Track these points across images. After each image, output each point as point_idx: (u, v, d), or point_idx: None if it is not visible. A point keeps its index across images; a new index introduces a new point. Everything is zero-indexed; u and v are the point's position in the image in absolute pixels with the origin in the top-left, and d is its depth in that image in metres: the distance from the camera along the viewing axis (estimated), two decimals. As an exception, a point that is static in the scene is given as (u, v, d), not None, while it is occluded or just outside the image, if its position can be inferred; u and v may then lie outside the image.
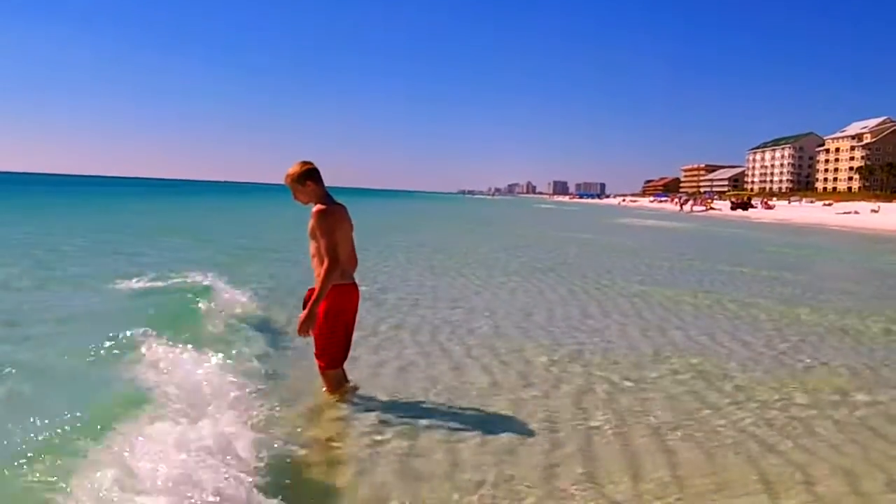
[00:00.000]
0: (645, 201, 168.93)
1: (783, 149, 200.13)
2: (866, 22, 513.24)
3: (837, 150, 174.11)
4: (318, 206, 5.41)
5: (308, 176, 5.44)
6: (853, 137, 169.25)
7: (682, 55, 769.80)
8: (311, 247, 5.45)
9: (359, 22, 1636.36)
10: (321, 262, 5.33)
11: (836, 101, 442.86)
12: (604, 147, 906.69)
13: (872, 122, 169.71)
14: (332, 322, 5.48)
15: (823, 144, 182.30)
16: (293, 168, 5.46)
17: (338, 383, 5.69)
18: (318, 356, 5.60)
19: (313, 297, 5.35)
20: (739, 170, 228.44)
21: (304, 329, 5.36)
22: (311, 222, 5.37)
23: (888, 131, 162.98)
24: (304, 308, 5.46)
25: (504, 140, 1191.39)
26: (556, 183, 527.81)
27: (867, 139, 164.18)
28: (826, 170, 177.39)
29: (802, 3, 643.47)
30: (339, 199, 5.61)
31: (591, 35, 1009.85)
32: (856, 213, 71.22)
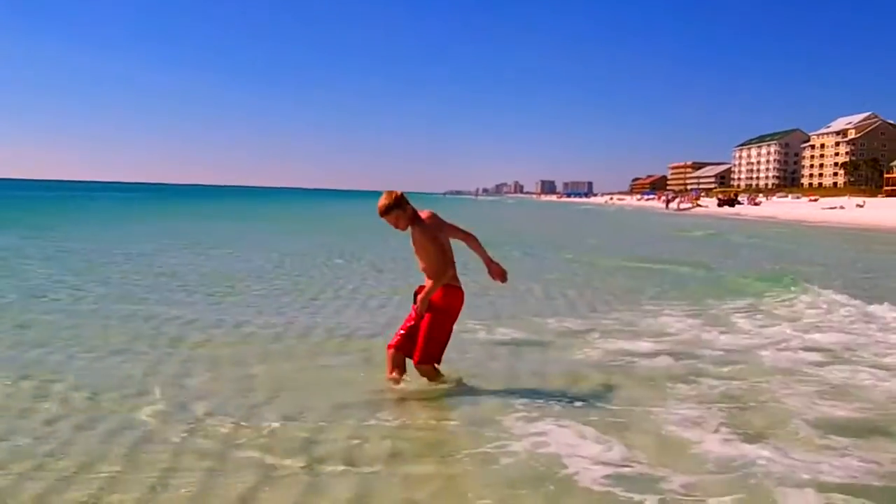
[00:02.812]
0: (632, 199, 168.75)
1: (769, 145, 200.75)
2: (850, 17, 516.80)
3: (823, 146, 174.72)
4: (418, 223, 5.78)
5: (406, 201, 5.76)
6: (838, 133, 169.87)
7: (667, 52, 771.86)
8: (420, 263, 5.83)
9: (340, 20, 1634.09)
10: (430, 277, 5.77)
11: (821, 97, 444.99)
12: (591, 146, 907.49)
13: (857, 118, 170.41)
14: (439, 319, 5.77)
15: (809, 140, 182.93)
16: (387, 199, 5.72)
17: (431, 376, 5.95)
18: (418, 350, 5.83)
19: (427, 289, 5.75)
20: (726, 167, 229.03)
21: (421, 310, 5.76)
22: (416, 238, 5.74)
23: (872, 127, 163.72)
24: (413, 301, 5.90)
25: (490, 140, 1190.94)
26: (543, 182, 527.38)
27: (852, 135, 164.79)
28: (812, 166, 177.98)
29: None
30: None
31: (576, 33, 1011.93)
32: (841, 207, 71.14)
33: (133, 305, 9.95)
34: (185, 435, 4.92)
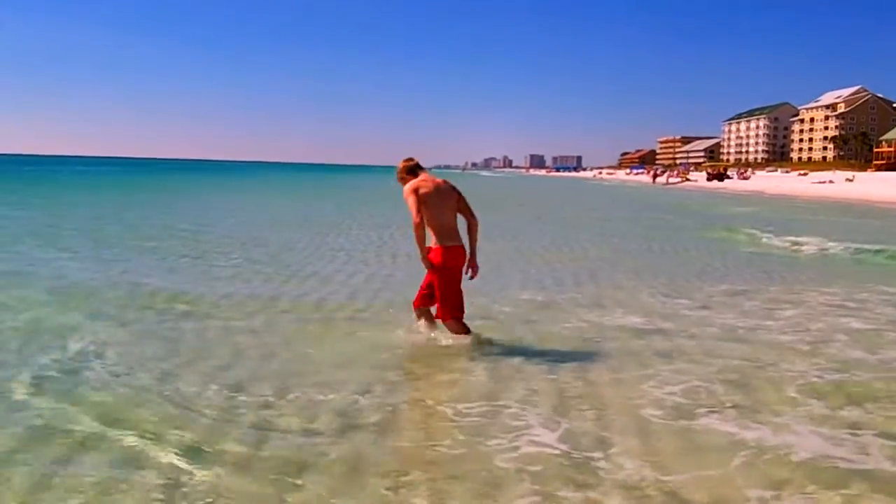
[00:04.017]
0: (621, 173, 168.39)
1: (758, 119, 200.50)
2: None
3: (812, 119, 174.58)
4: (413, 186, 6.48)
5: (407, 172, 6.65)
6: (828, 107, 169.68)
7: (656, 26, 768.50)
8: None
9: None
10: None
11: (810, 70, 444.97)
12: (580, 120, 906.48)
13: (846, 92, 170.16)
14: (441, 276, 6.40)
15: (798, 114, 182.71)
16: (401, 164, 6.72)
17: (456, 329, 6.54)
18: (438, 309, 6.55)
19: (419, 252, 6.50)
20: (715, 141, 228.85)
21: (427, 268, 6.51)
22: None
23: (862, 101, 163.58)
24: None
25: (479, 114, 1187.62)
26: (532, 156, 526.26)
27: (841, 109, 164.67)
28: (801, 140, 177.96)
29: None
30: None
31: (565, 6, 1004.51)
32: (830, 182, 71.03)
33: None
34: (174, 404, 4.84)
